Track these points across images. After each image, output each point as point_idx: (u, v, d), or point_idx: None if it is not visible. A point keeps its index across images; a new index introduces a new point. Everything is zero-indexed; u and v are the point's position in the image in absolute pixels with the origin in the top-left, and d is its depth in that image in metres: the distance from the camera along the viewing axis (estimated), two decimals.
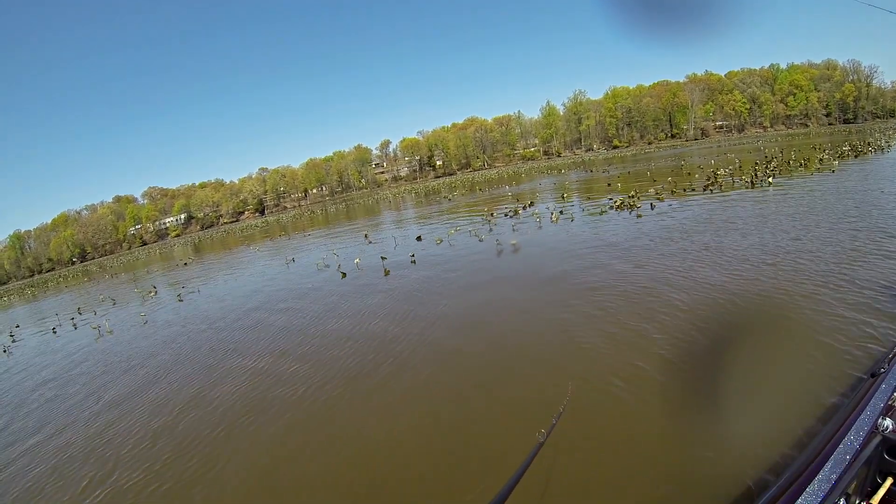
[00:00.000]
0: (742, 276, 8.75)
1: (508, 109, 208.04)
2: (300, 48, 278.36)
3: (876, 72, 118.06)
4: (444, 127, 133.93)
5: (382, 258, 16.55)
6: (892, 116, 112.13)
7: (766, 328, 6.79)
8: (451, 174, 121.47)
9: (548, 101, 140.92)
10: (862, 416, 2.50)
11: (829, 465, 2.28)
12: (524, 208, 23.64)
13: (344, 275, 15.73)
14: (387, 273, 14.65)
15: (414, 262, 15.22)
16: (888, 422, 2.50)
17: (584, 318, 7.99)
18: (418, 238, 20.20)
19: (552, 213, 18.93)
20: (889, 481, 2.48)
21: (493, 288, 10.92)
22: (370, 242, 23.12)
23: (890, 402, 2.63)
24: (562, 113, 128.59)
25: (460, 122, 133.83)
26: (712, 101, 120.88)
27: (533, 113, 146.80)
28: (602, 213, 18.01)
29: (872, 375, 3.05)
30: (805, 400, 4.82)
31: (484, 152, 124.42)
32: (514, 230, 17.76)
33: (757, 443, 4.35)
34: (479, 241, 16.78)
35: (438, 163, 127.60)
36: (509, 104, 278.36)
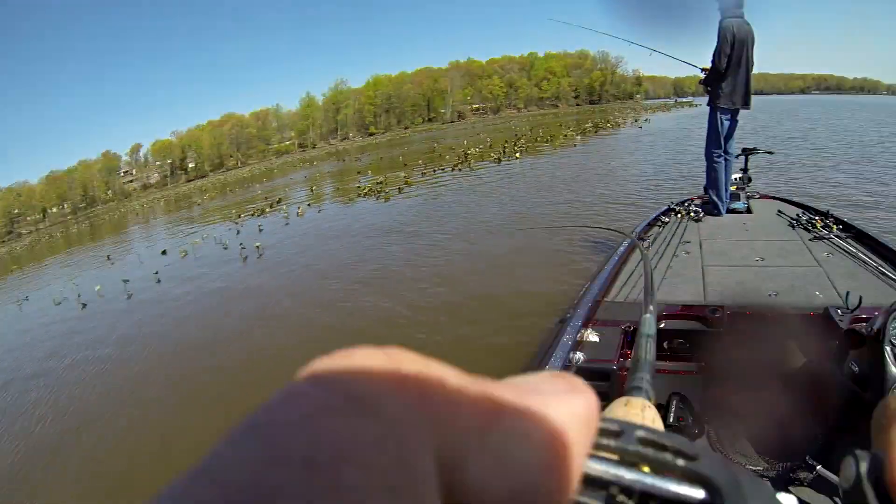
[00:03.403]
0: (475, 243, 10.09)
1: (268, 102, 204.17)
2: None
3: (622, 61, 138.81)
4: (199, 126, 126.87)
5: (124, 281, 14.89)
6: (630, 98, 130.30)
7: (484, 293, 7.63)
8: (204, 176, 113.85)
9: (307, 92, 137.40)
10: (556, 355, 2.76)
11: None
12: (272, 206, 22.96)
13: (84, 306, 14.01)
14: (129, 297, 13.40)
15: (159, 280, 14.15)
16: (578, 354, 2.84)
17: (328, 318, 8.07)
18: (163, 252, 18.70)
19: (299, 208, 18.89)
20: None
21: (233, 303, 10.34)
22: (113, 264, 21.01)
23: (578, 339, 2.97)
24: (321, 104, 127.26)
25: (217, 118, 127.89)
26: (471, 86, 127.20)
27: (294, 105, 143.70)
28: (350, 201, 18.29)
29: (561, 321, 3.39)
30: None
31: (238, 150, 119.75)
32: (260, 230, 17.29)
33: None
34: (224, 248, 16.05)
35: (191, 165, 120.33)
36: (270, 96, 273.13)
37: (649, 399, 0.81)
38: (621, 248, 4.72)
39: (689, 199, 6.97)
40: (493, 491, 0.17)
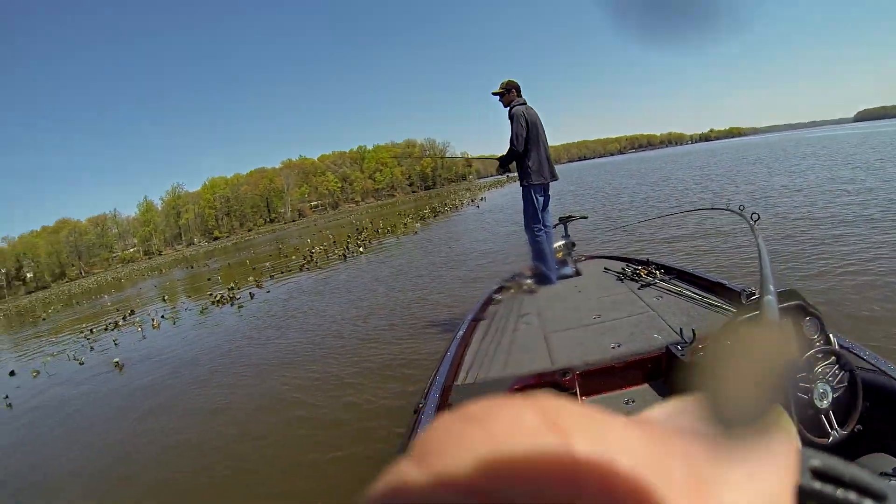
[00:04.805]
0: (327, 343, 10.10)
1: (104, 208, 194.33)
2: None
3: (448, 146, 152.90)
4: (32, 231, 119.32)
5: None
6: (464, 179, 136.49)
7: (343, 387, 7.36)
8: (46, 287, 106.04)
9: (145, 197, 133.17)
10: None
11: None
12: (124, 318, 21.75)
13: None
14: None
15: (10, 405, 12.52)
16: None
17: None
18: (11, 373, 17.14)
19: (153, 320, 18.04)
20: None
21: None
22: None
23: None
24: (160, 209, 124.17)
25: (51, 224, 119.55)
26: (307, 184, 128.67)
27: (130, 211, 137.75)
28: (203, 311, 17.95)
29: (415, 412, 3.42)
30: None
31: (80, 258, 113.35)
32: (115, 344, 16.40)
33: None
34: (80, 364, 15.05)
35: (29, 275, 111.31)
36: (104, 202, 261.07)
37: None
38: (460, 332, 4.80)
39: (519, 273, 7.01)
40: None
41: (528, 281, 6.42)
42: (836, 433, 2.19)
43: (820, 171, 25.41)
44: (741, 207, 3.43)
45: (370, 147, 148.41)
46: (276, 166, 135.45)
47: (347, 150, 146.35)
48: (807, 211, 14.21)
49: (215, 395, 8.85)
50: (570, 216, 7.63)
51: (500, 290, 6.37)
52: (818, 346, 2.40)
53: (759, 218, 2.82)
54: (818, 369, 2.29)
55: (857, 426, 1.95)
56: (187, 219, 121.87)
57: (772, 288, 1.39)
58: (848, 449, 2.28)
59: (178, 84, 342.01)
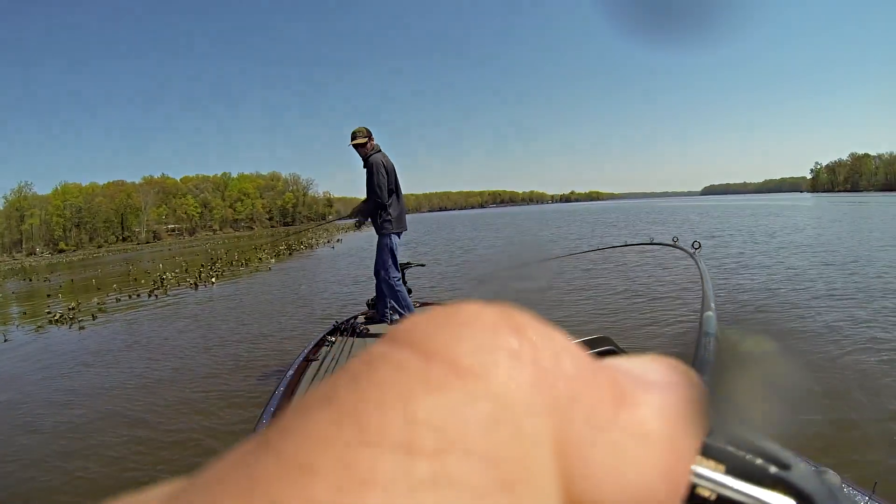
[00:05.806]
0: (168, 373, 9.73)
1: None
2: None
3: (312, 184, 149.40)
4: None
5: None
6: (323, 218, 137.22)
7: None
8: None
9: None
10: None
11: None
12: None
13: None
14: None
15: None
16: None
17: None
18: None
19: None
20: None
21: None
22: None
23: None
24: (1, 208, 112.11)
25: None
26: (166, 205, 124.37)
27: None
28: (39, 329, 16.58)
29: None
30: None
31: None
32: None
33: None
34: None
35: None
36: None
37: None
38: (290, 371, 4.72)
39: (353, 317, 7.12)
40: (610, 491, 0.15)
41: (363, 325, 6.50)
42: None
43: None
44: (675, 239, 3.58)
45: (235, 175, 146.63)
46: (137, 181, 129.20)
47: (212, 175, 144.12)
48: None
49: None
50: (408, 263, 7.82)
51: (333, 331, 6.39)
52: None
53: (699, 246, 2.96)
54: None
55: None
56: (31, 224, 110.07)
57: (713, 305, 1.44)
58: None
59: (38, 73, 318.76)
